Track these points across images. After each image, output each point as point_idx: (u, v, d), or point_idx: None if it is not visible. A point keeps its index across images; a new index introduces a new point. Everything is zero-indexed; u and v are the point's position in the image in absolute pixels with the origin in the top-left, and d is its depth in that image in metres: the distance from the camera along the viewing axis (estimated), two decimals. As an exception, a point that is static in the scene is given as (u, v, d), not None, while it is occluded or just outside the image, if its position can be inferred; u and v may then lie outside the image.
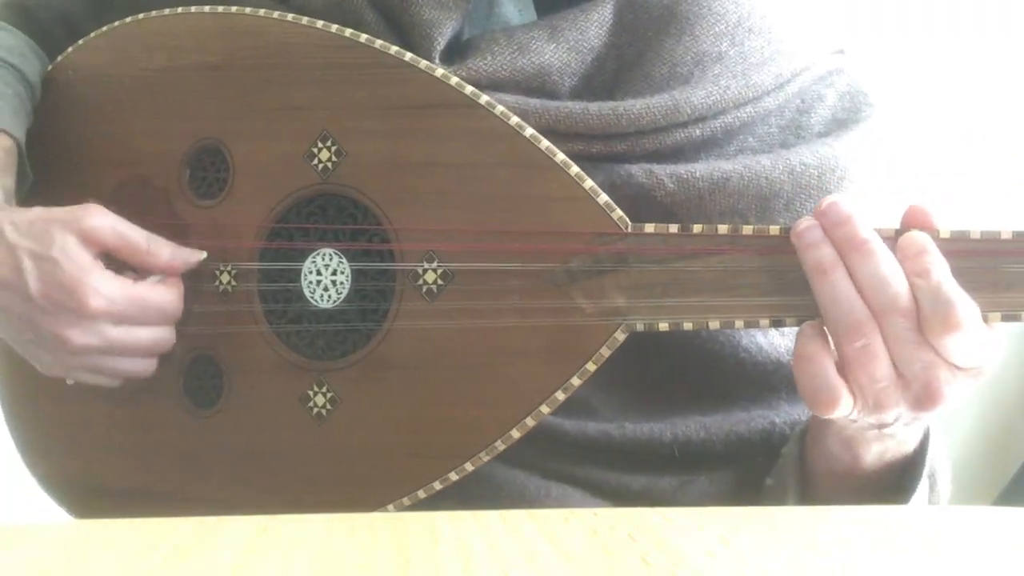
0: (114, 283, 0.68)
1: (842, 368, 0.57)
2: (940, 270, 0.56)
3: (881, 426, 0.59)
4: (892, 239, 0.58)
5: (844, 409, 0.57)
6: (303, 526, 0.49)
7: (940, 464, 0.70)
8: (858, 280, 0.57)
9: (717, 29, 0.71)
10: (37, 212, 0.69)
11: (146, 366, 0.71)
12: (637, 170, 0.68)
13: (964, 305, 0.55)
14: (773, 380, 0.72)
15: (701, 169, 0.68)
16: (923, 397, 0.57)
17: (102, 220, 0.68)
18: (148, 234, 0.71)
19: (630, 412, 0.72)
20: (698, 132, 0.69)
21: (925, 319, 0.55)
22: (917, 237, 0.57)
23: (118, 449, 0.75)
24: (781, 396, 0.72)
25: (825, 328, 0.58)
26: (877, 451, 0.63)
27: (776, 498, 0.68)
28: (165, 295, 0.70)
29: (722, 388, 0.72)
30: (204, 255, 0.71)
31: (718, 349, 0.71)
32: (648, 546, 0.45)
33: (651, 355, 0.71)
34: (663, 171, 0.68)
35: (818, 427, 0.65)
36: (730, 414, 0.71)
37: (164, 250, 0.71)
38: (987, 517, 0.56)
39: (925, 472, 0.64)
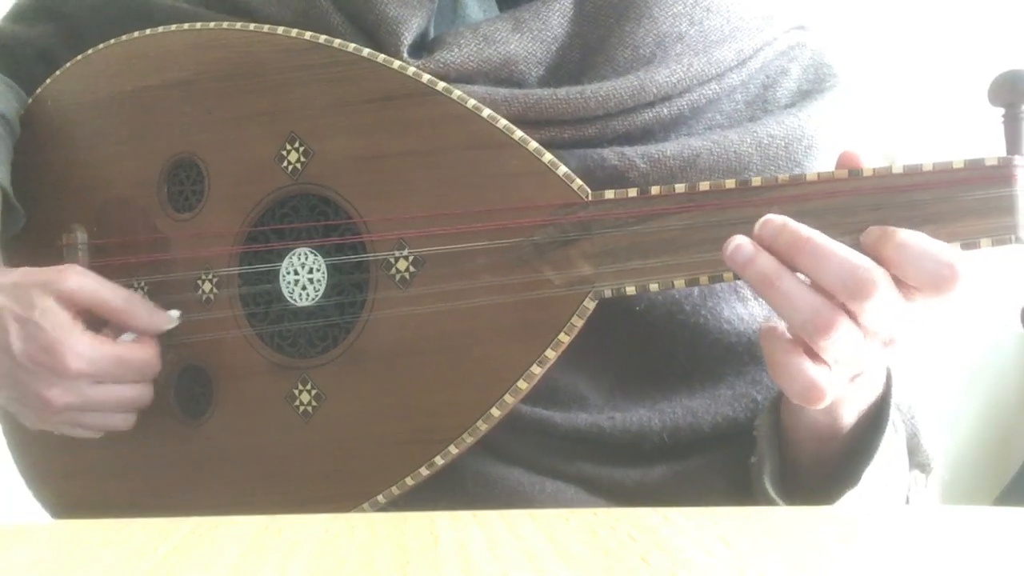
0: (93, 343, 0.70)
1: (814, 354, 0.57)
2: (917, 237, 0.56)
3: (854, 376, 0.60)
4: (845, 179, 0.59)
5: (832, 394, 0.57)
6: (303, 526, 0.49)
7: (914, 404, 0.72)
8: (816, 278, 0.56)
9: (675, 10, 0.72)
10: (19, 274, 0.71)
11: (125, 420, 0.73)
12: (609, 153, 0.69)
13: (961, 258, 0.55)
14: (757, 351, 0.72)
15: (671, 148, 0.69)
16: (888, 342, 0.58)
17: (80, 282, 0.71)
18: (127, 294, 0.73)
19: (618, 398, 0.72)
20: (666, 111, 0.71)
21: (928, 285, 0.55)
22: (873, 230, 0.57)
23: (117, 468, 0.76)
24: (764, 368, 0.72)
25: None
26: (852, 406, 0.63)
27: (757, 474, 0.68)
28: (142, 354, 0.72)
29: (708, 365, 0.72)
30: (179, 316, 0.73)
31: (702, 323, 0.71)
32: (648, 546, 0.45)
33: (639, 338, 0.71)
34: (634, 152, 0.69)
35: None
36: (717, 394, 0.72)
37: (142, 312, 0.73)
38: (987, 517, 0.56)
39: (892, 403, 0.65)
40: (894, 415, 0.70)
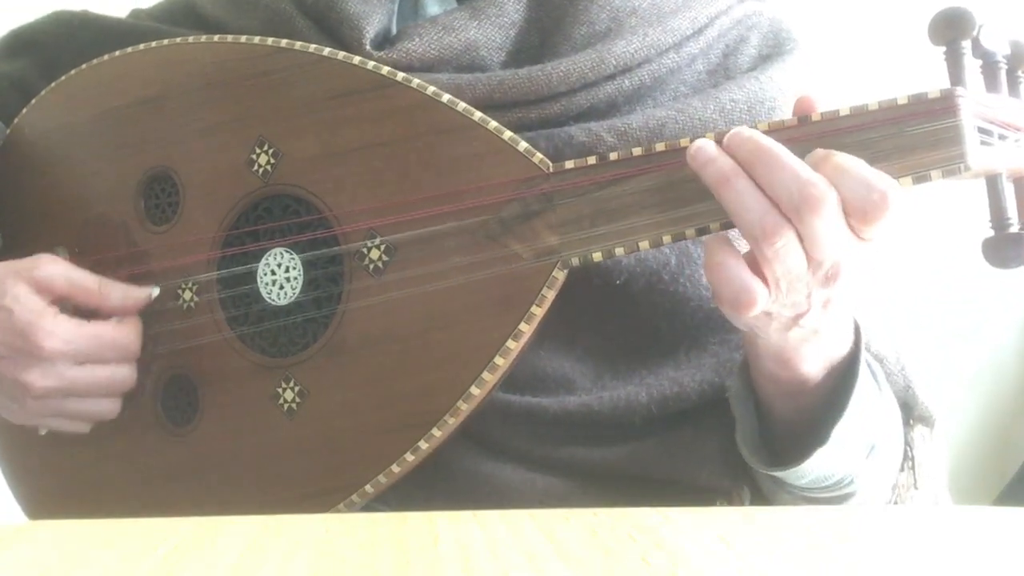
0: (68, 324, 0.70)
1: (755, 265, 0.57)
2: (854, 161, 0.56)
3: (798, 316, 0.59)
4: (795, 126, 0.59)
5: (763, 304, 0.57)
6: (303, 526, 0.49)
7: (902, 355, 0.73)
8: (768, 187, 0.57)
9: None
10: None
11: (110, 405, 0.73)
12: (577, 131, 0.70)
13: (893, 187, 0.55)
14: None
15: (637, 120, 0.70)
16: (832, 274, 0.57)
17: (52, 268, 0.71)
18: (99, 278, 0.73)
19: (606, 378, 0.72)
20: (627, 83, 0.72)
21: (857, 210, 0.55)
22: (817, 152, 0.58)
23: (111, 485, 0.76)
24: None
25: (731, 233, 0.59)
26: (811, 357, 0.62)
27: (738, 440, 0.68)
28: (121, 332, 0.72)
29: (691, 334, 0.73)
30: (156, 291, 0.74)
31: (682, 292, 0.71)
32: (648, 546, 0.45)
33: (622, 313, 0.72)
34: (600, 127, 0.70)
35: (751, 352, 0.65)
36: (702, 364, 0.72)
37: (115, 291, 0.73)
38: (987, 517, 0.56)
39: (862, 359, 0.64)
40: (875, 370, 0.70)
